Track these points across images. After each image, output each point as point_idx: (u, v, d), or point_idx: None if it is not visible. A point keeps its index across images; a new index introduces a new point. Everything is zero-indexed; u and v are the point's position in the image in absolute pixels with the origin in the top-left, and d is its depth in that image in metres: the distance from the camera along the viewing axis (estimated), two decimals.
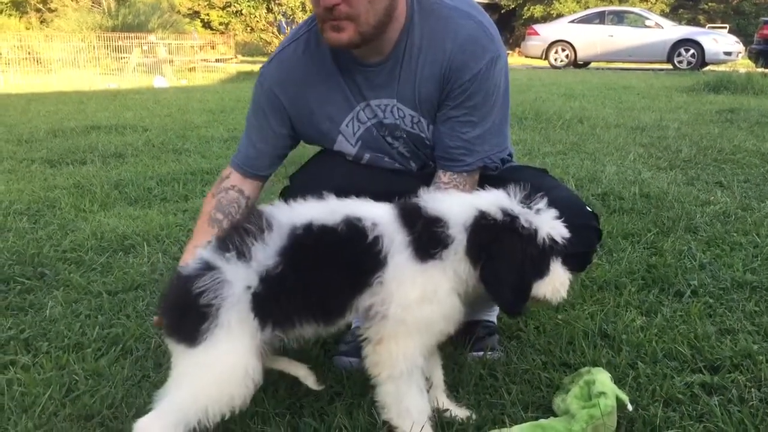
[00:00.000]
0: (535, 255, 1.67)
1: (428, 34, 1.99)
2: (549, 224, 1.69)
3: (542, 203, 1.71)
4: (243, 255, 1.60)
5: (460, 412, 1.85)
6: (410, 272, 1.65)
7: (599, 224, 2.11)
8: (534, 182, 1.90)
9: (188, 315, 1.57)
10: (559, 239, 1.69)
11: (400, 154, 2.15)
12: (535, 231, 1.66)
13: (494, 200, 1.71)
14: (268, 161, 2.20)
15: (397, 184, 1.93)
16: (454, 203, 1.73)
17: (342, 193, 1.82)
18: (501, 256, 1.66)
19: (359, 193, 1.81)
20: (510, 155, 2.19)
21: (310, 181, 2.08)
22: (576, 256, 1.98)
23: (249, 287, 1.58)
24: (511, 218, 1.66)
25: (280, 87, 2.11)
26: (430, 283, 1.66)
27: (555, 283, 1.72)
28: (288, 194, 2.01)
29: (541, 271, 1.70)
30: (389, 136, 2.11)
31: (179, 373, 1.60)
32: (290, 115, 2.13)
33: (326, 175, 2.10)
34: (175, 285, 1.64)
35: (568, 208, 1.95)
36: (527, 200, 1.70)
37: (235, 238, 1.62)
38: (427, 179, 2.07)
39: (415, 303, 1.65)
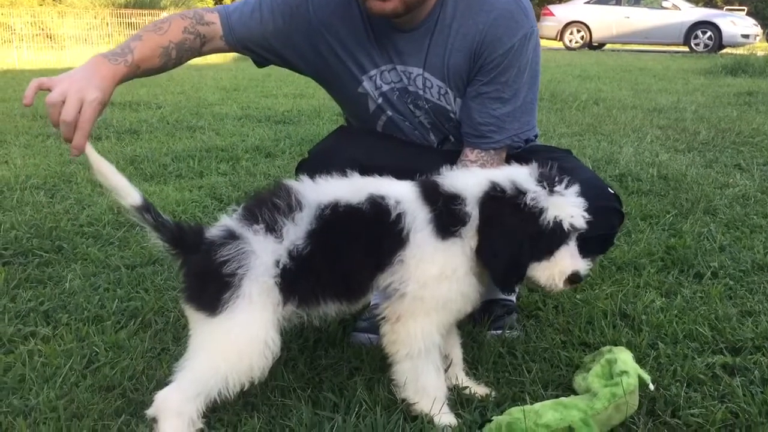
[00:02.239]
0: (534, 234, 1.62)
1: (463, 6, 1.97)
2: (562, 207, 1.63)
3: (565, 185, 1.66)
4: (272, 230, 1.60)
5: (479, 390, 1.85)
6: (430, 250, 1.64)
7: (621, 206, 2.08)
8: (558, 161, 1.88)
9: (210, 283, 1.57)
10: (571, 225, 1.63)
11: (420, 123, 2.13)
12: (540, 210, 1.61)
13: (511, 174, 1.68)
14: (251, 41, 2.07)
15: (419, 161, 1.91)
16: (470, 179, 1.71)
17: (362, 167, 1.81)
18: (498, 228, 1.63)
19: (380, 168, 1.81)
20: (535, 136, 2.17)
21: (330, 154, 2.06)
22: (597, 238, 1.97)
23: (277, 262, 1.58)
24: (518, 193, 1.63)
25: (317, 6, 2.04)
26: (449, 261, 1.65)
27: (553, 270, 1.66)
28: (307, 167, 2.00)
29: (541, 253, 1.65)
30: (412, 104, 2.10)
31: (198, 343, 1.60)
32: (313, 33, 2.04)
33: (346, 148, 2.08)
34: (200, 249, 1.62)
35: (590, 190, 1.93)
36: (548, 179, 1.65)
37: (264, 211, 1.62)
38: (450, 156, 2.05)
39: (433, 280, 1.64)
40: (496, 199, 1.65)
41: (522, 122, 2.04)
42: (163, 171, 4.41)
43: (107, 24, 18.96)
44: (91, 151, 1.63)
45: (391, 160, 1.96)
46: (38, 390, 1.84)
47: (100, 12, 19.63)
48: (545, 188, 1.63)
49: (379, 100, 2.11)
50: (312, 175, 1.72)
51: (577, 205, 1.65)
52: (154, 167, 4.47)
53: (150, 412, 1.59)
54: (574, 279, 1.67)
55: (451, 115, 2.09)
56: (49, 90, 1.68)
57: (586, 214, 1.65)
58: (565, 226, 1.62)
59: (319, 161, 1.99)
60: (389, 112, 2.12)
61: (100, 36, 18.67)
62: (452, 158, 2.04)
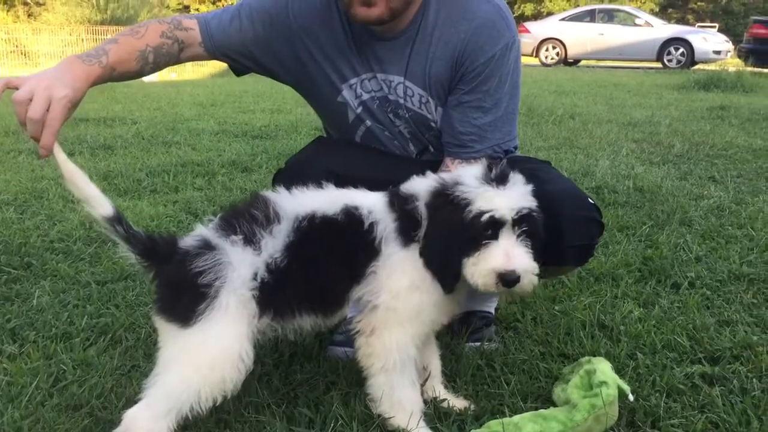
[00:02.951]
0: (459, 227, 1.55)
1: (445, 13, 1.96)
2: (490, 200, 1.54)
3: (507, 180, 1.58)
4: (250, 242, 1.57)
5: (458, 403, 1.82)
6: (399, 260, 1.63)
7: (601, 217, 2.07)
8: (536, 172, 1.87)
9: (185, 293, 1.53)
10: (491, 217, 1.53)
11: (400, 133, 2.11)
12: (467, 203, 1.55)
13: (460, 172, 1.66)
14: (230, 48, 2.05)
15: (396, 172, 1.89)
16: (425, 181, 1.69)
17: (339, 178, 1.79)
18: (431, 223, 1.61)
19: (357, 179, 1.79)
20: (515, 147, 2.16)
21: (307, 164, 2.03)
22: (577, 248, 1.95)
23: (255, 275, 1.55)
24: (454, 185, 1.60)
25: (297, 13, 2.02)
26: (417, 271, 1.63)
27: (481, 266, 1.56)
28: (283, 177, 1.97)
29: (469, 247, 1.57)
30: (392, 113, 2.08)
31: (169, 356, 1.55)
32: (293, 40, 2.02)
33: (323, 159, 2.06)
34: (173, 259, 1.58)
35: (570, 200, 1.92)
36: (492, 175, 1.59)
37: (242, 222, 1.59)
38: (428, 167, 2.02)
39: (404, 291, 1.62)
40: (434, 194, 1.63)
41: (503, 132, 2.03)
42: (137, 186, 4.35)
43: (83, 40, 18.86)
44: (60, 154, 1.58)
45: (368, 170, 1.94)
46: (2, 409, 1.77)
47: (75, 29, 19.53)
48: (484, 183, 1.58)
49: (359, 110, 2.09)
50: (288, 186, 1.70)
51: (511, 198, 1.56)
52: (128, 182, 4.41)
53: (118, 431, 1.54)
54: (506, 278, 1.54)
55: (432, 124, 2.07)
56: (16, 88, 1.64)
57: (520, 208, 1.55)
58: (484, 218, 1.53)
59: (296, 172, 1.97)
60: (368, 122, 2.10)
61: (75, 53, 18.55)
62: (431, 169, 2.01)
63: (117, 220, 1.56)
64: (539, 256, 1.61)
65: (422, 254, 1.62)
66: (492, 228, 1.55)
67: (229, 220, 1.61)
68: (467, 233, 1.56)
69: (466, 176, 1.63)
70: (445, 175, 1.69)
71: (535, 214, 1.59)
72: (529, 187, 1.62)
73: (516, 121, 2.11)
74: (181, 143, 5.94)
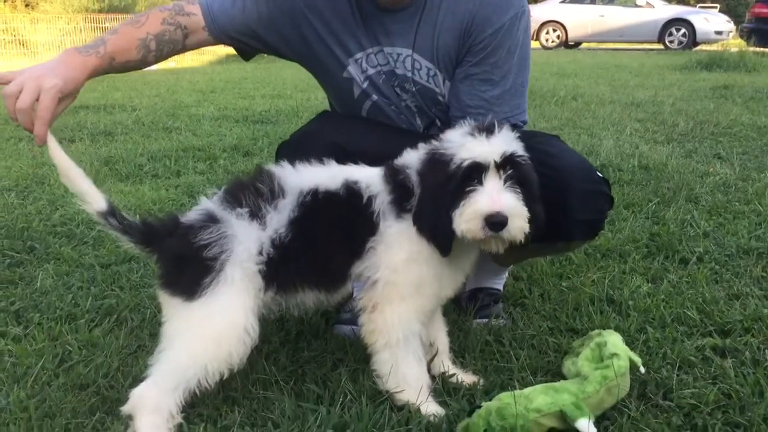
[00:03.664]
0: (445, 181, 1.52)
1: None
2: (471, 149, 1.51)
3: (490, 130, 1.54)
4: (256, 216, 1.56)
5: (467, 378, 1.81)
6: (395, 233, 1.61)
7: (610, 190, 2.03)
8: (543, 146, 1.84)
9: (189, 266, 1.51)
10: (474, 161, 1.49)
11: (406, 107, 2.08)
12: (450, 157, 1.53)
13: (447, 135, 1.63)
14: (234, 30, 2.00)
15: (400, 145, 1.86)
16: (417, 151, 1.67)
17: (343, 152, 1.78)
18: (421, 186, 1.58)
19: (362, 153, 1.77)
20: (523, 122, 2.13)
21: (311, 138, 2.00)
22: (587, 222, 1.93)
23: (261, 248, 1.54)
24: (439, 147, 1.58)
25: None
26: (413, 244, 1.61)
27: (467, 212, 1.50)
28: (286, 150, 1.94)
29: (456, 199, 1.52)
30: (398, 87, 2.05)
31: (174, 330, 1.54)
32: (297, 17, 1.98)
33: (327, 133, 2.02)
34: (176, 233, 1.57)
35: (578, 173, 1.89)
36: (481, 129, 1.56)
37: (248, 195, 1.57)
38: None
39: (402, 264, 1.61)
40: (424, 160, 1.61)
41: (512, 105, 2.00)
42: (138, 171, 4.32)
43: (80, 30, 18.75)
44: (54, 148, 1.56)
45: (373, 144, 1.92)
46: (8, 390, 1.76)
47: (73, 18, 19.39)
48: (467, 135, 1.56)
49: (365, 85, 2.05)
50: (292, 159, 1.68)
51: (493, 144, 1.52)
52: (130, 167, 4.38)
53: (125, 409, 1.53)
54: (492, 220, 1.48)
55: (440, 98, 2.04)
56: (8, 83, 1.62)
57: (503, 152, 1.51)
58: (465, 164, 1.50)
59: (300, 145, 1.94)
60: (375, 97, 2.06)
61: (73, 42, 18.43)
62: None
63: (110, 213, 1.54)
64: (532, 205, 1.56)
65: (414, 220, 1.60)
66: (476, 174, 1.51)
67: (234, 193, 1.59)
68: (451, 184, 1.52)
69: (452, 134, 1.61)
70: (438, 141, 1.66)
71: (520, 159, 1.55)
72: (515, 135, 1.59)
73: (525, 95, 2.07)
74: (181, 129, 5.91)
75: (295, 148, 1.88)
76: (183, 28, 1.95)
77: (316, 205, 1.60)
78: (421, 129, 2.13)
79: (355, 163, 1.74)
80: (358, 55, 2.02)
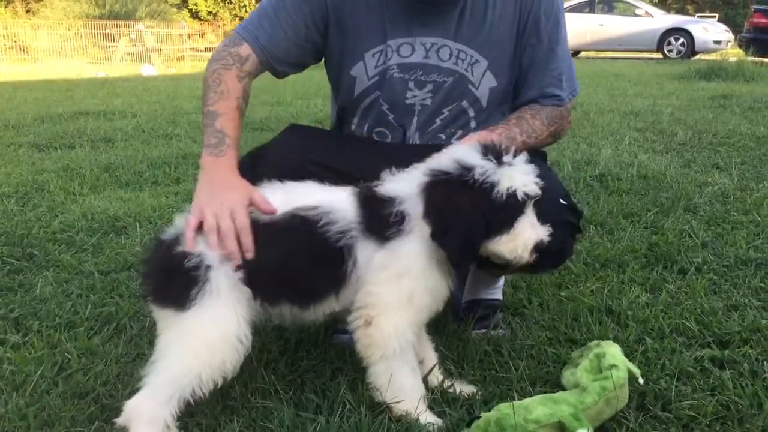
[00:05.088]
0: (489, 210, 1.57)
1: None
2: (513, 178, 1.59)
3: (513, 155, 1.62)
4: None
5: (465, 388, 1.80)
6: (381, 259, 1.62)
7: (579, 218, 1.99)
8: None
9: (175, 278, 1.53)
10: (525, 194, 1.59)
11: (410, 105, 2.04)
12: (491, 185, 1.57)
13: (454, 155, 1.65)
14: (287, 58, 2.01)
15: (369, 163, 1.81)
16: (403, 180, 1.67)
17: (319, 169, 1.83)
18: (449, 210, 1.59)
19: (326, 170, 1.82)
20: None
21: (288, 149, 1.99)
22: (548, 252, 1.77)
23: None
24: (465, 170, 1.59)
25: None
26: (400, 260, 1.62)
27: (517, 242, 1.61)
28: (254, 166, 1.93)
29: (500, 227, 1.60)
30: (414, 80, 2.01)
31: (167, 341, 1.55)
32: (329, 12, 1.98)
33: (303, 146, 2.00)
34: (159, 249, 1.60)
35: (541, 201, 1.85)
36: (494, 152, 1.61)
37: None
38: (406, 155, 1.88)
39: (391, 280, 1.62)
40: (441, 183, 1.61)
41: (570, 75, 2.09)
42: (138, 178, 4.33)
43: (81, 36, 18.79)
44: None
45: (345, 161, 1.92)
46: (7, 398, 1.76)
47: (73, 24, 19.44)
48: (492, 161, 1.60)
49: (371, 81, 2.02)
50: (251, 174, 1.74)
51: (528, 172, 1.62)
52: (129, 174, 4.39)
53: (120, 421, 1.53)
54: (539, 248, 1.63)
55: (471, 88, 2.02)
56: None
57: (538, 180, 1.62)
58: (520, 195, 1.58)
59: (271, 161, 1.93)
60: (374, 95, 2.03)
61: (73, 48, 18.50)
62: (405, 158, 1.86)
63: None
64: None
65: (439, 241, 1.60)
66: (522, 204, 1.60)
67: None
68: (500, 215, 1.59)
69: (466, 156, 1.62)
70: (437, 163, 1.65)
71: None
72: (525, 156, 1.65)
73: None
74: (181, 135, 5.92)
75: (255, 163, 1.91)
76: (250, 74, 1.97)
77: (281, 228, 1.62)
78: (413, 132, 2.07)
79: (320, 180, 1.73)
80: (375, 49, 1.99)
